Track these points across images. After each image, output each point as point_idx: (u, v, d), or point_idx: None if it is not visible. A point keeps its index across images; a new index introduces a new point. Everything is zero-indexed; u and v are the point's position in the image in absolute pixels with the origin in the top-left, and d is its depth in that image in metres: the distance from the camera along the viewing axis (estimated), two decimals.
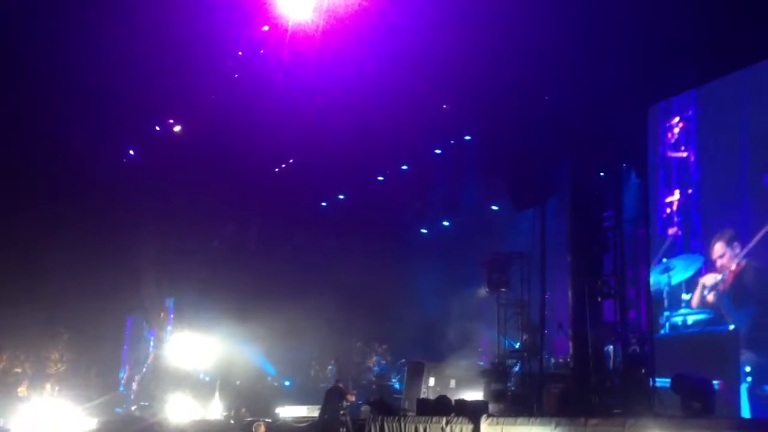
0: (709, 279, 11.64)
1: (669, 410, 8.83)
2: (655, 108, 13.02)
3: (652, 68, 11.34)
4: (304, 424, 12.99)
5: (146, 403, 16.62)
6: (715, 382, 9.99)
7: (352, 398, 12.57)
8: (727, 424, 6.95)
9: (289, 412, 14.61)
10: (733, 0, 10.04)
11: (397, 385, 15.68)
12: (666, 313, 12.34)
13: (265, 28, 14.01)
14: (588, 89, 11.71)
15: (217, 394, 15.73)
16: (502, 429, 9.07)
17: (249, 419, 12.97)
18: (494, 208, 16.09)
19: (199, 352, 16.72)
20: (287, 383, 17.63)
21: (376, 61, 13.26)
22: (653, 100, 12.50)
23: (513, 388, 11.83)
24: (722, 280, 11.30)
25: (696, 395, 7.89)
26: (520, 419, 9.04)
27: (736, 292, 11.08)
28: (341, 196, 18.57)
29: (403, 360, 15.75)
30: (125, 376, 19.07)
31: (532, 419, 8.86)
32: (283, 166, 17.76)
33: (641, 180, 11.72)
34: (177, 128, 17.17)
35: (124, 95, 15.27)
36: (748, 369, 10.49)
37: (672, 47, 10.93)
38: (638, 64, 11.22)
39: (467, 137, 16.19)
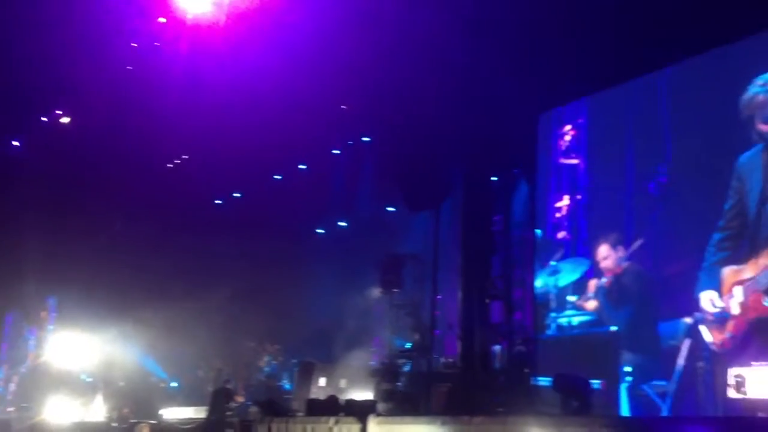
0: (593, 282, 11.99)
1: (550, 408, 9.04)
2: (548, 115, 13.31)
3: (544, 77, 11.61)
4: (190, 426, 12.71)
5: (26, 405, 15.87)
6: (596, 381, 10.30)
7: (241, 399, 12.41)
8: (602, 422, 7.14)
9: (174, 413, 14.28)
10: (622, 14, 10.32)
11: (287, 386, 15.54)
12: (553, 315, 12.63)
13: (162, 20, 13.64)
14: (482, 96, 11.94)
15: (99, 396, 15.20)
16: (389, 428, 9.09)
17: (132, 421, 12.59)
18: (390, 209, 16.16)
19: (81, 352, 16.12)
20: (174, 384, 17.21)
21: (277, 58, 13.09)
22: (545, 108, 12.78)
23: (402, 388, 11.90)
24: (605, 282, 11.65)
25: (575, 394, 8.09)
26: (407, 418, 9.10)
27: (617, 294, 11.44)
28: (237, 194, 18.26)
29: (295, 360, 15.65)
30: (2, 377, 18.18)
31: (418, 418, 8.92)
32: (177, 162, 17.32)
33: (530, 185, 12.01)
34: (65, 120, 16.51)
35: (8, 84, 14.57)
36: (627, 369, 10.83)
37: (563, 56, 11.22)
38: (530, 72, 11.49)
39: (365, 138, 16.19)
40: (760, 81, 9.02)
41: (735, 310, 9.17)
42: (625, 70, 11.25)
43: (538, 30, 11.07)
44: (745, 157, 9.41)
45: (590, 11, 10.46)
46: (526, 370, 9.84)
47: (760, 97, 8.92)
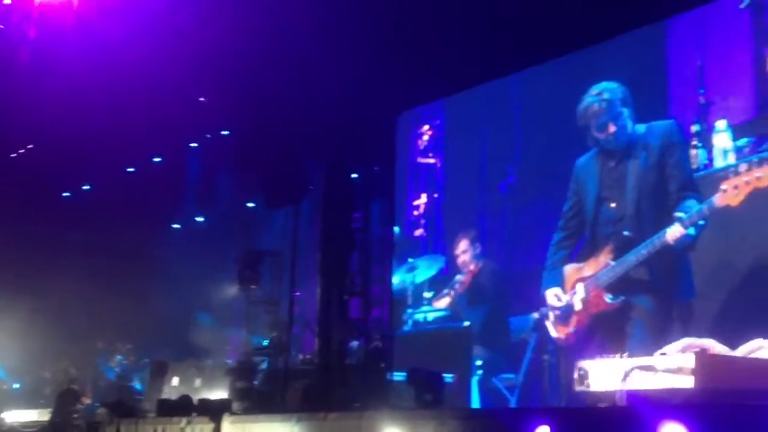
0: (447, 278, 12.32)
1: (404, 403, 9.22)
2: (408, 115, 13.55)
3: (404, 77, 11.82)
4: (33, 429, 12.12)
5: None
6: (449, 375, 10.61)
7: (87, 400, 11.96)
8: (453, 414, 7.35)
9: (16, 416, 13.57)
10: (480, 18, 10.62)
11: (138, 386, 15.08)
12: (410, 311, 12.88)
13: (7, 1, 12.86)
14: (344, 94, 12.02)
15: None
16: (243, 427, 8.97)
17: None
18: (250, 205, 15.97)
19: None
20: (16, 386, 16.34)
21: (132, 47, 12.61)
22: (404, 108, 13.02)
23: (259, 386, 11.81)
24: (461, 279, 11.98)
25: (428, 388, 8.30)
26: (261, 416, 8.99)
27: (472, 291, 11.81)
28: (87, 187, 17.48)
29: (147, 360, 15.21)
30: None
31: (273, 416, 8.84)
32: (21, 151, 16.39)
33: (389, 184, 12.21)
34: None
35: None
36: (478, 363, 11.21)
37: (423, 57, 11.45)
38: (391, 72, 11.68)
39: (225, 132, 15.91)
40: (594, 90, 9.53)
41: (578, 306, 9.67)
42: (481, 73, 11.60)
43: (399, 30, 11.25)
44: (581, 161, 9.95)
45: (448, 15, 10.73)
46: (382, 366, 10.00)
47: (595, 106, 9.43)
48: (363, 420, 7.57)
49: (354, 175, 13.22)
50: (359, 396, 9.78)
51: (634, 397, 4.95)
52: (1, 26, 13.29)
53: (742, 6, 8.86)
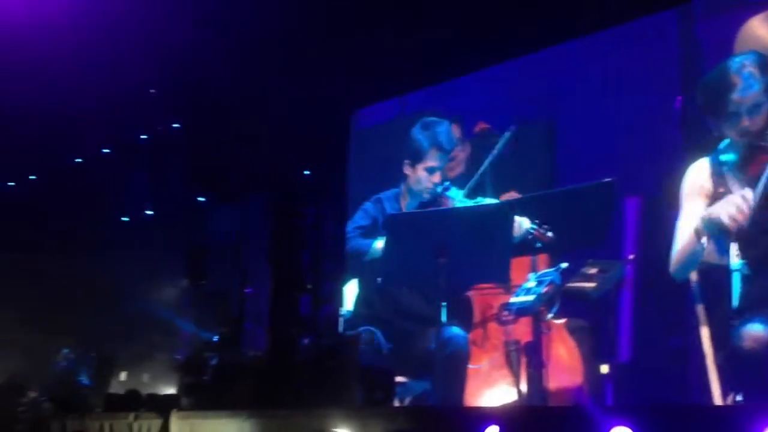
0: None
1: (355, 401, 9.31)
2: (362, 113, 13.60)
3: (357, 74, 11.87)
4: None
5: None
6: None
7: (32, 395, 11.77)
8: (402, 411, 7.50)
9: None
10: (437, 13, 10.65)
11: (85, 381, 14.91)
12: None
13: None
14: (296, 90, 12.04)
15: None
16: (192, 422, 8.99)
17: None
18: (200, 199, 15.88)
19: None
20: None
21: (80, 33, 12.41)
22: (358, 106, 13.08)
23: (208, 382, 11.77)
24: None
25: (378, 386, 8.40)
26: (210, 412, 9.03)
27: None
28: (32, 177, 17.15)
29: (94, 354, 15.04)
30: None
31: (222, 412, 8.88)
32: None
33: (341, 182, 12.27)
34: None
35: None
36: None
37: (378, 54, 11.51)
38: (346, 69, 11.72)
39: (176, 125, 15.77)
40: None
41: None
42: (439, 71, 11.65)
43: (354, 27, 11.30)
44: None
45: (406, 9, 10.79)
46: (332, 364, 10.07)
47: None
48: (313, 418, 7.67)
49: (306, 172, 13.25)
50: (309, 393, 9.84)
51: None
52: None
53: None
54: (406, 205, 8.96)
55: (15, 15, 12.31)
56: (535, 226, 7.67)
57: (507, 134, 8.94)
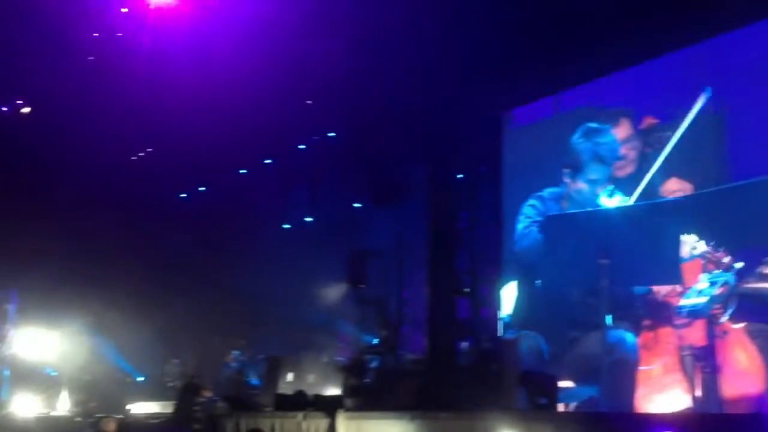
0: None
1: (516, 405, 9.20)
2: (514, 113, 13.45)
3: (510, 75, 11.74)
4: (157, 421, 12.68)
5: None
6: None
7: (208, 394, 12.36)
8: (570, 417, 7.33)
9: (141, 408, 14.23)
10: (591, 9, 10.36)
11: (255, 381, 15.56)
12: None
13: (124, 10, 13.51)
14: (447, 93, 12.06)
15: (64, 390, 15.08)
16: (357, 423, 9.17)
17: (98, 415, 12.51)
18: (356, 205, 16.24)
19: (47, 346, 15.96)
20: (140, 379, 17.13)
21: (242, 51, 13.05)
22: (511, 106, 12.94)
23: (370, 384, 11.99)
24: None
25: (542, 391, 8.26)
26: (374, 413, 9.17)
27: None
28: (202, 188, 18.16)
29: (262, 356, 15.68)
30: None
31: (386, 413, 9.00)
32: (141, 155, 17.16)
33: (496, 182, 12.17)
34: (26, 110, 16.26)
35: None
36: None
37: (529, 54, 11.35)
38: (497, 69, 11.62)
39: (331, 134, 16.23)
40: None
41: None
42: (591, 70, 11.33)
43: (506, 28, 11.18)
44: None
45: (558, 7, 10.58)
46: (493, 367, 10.01)
47: None
48: (476, 420, 7.63)
49: (459, 175, 13.25)
50: (470, 396, 9.82)
51: None
52: (120, 34, 13.99)
53: None
54: (567, 208, 8.62)
55: (181, 41, 13.15)
56: (709, 249, 7.24)
57: (680, 129, 8.41)
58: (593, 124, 8.54)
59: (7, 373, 16.14)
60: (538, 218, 8.36)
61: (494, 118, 12.56)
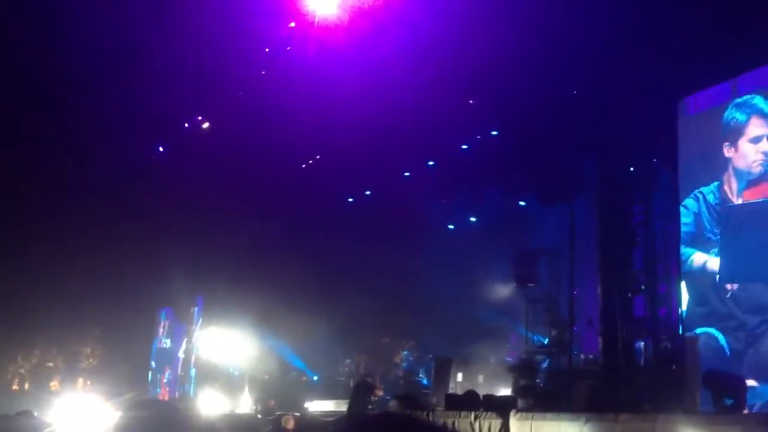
0: None
1: (700, 406, 8.72)
2: (689, 101, 12.78)
3: (682, 61, 11.14)
4: (332, 419, 13.01)
5: (177, 397, 16.75)
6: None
7: (380, 393, 12.57)
8: (759, 419, 6.84)
9: (317, 406, 14.67)
10: None
11: (425, 381, 15.67)
12: None
13: (292, 24, 14.04)
14: (617, 84, 11.59)
15: (246, 388, 15.81)
16: (531, 424, 9.01)
17: (278, 413, 13.02)
18: (521, 203, 15.98)
19: (228, 347, 16.83)
20: (315, 378, 17.71)
21: (402, 55, 13.21)
22: (685, 93, 12.27)
23: (541, 384, 11.76)
24: None
25: (727, 391, 7.77)
26: (549, 414, 8.97)
27: None
28: (367, 192, 18.53)
29: (431, 356, 15.76)
30: (155, 368, 19.22)
31: (561, 414, 8.79)
32: (310, 162, 17.76)
33: (672, 174, 11.54)
34: (205, 125, 17.27)
35: (154, 92, 15.40)
36: None
37: (702, 40, 10.73)
38: (668, 58, 11.06)
39: (494, 132, 16.07)
40: None
41: None
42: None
43: (678, 12, 10.64)
44: None
45: None
46: (674, 367, 9.50)
47: None
48: (657, 423, 7.30)
49: (631, 168, 12.68)
50: (649, 397, 9.39)
51: None
52: (288, 47, 14.55)
53: None
54: (733, 190, 8.16)
55: (344, 51, 13.49)
56: None
57: None
58: (744, 97, 8.21)
59: (193, 372, 17.20)
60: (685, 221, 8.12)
61: (669, 106, 11.95)
